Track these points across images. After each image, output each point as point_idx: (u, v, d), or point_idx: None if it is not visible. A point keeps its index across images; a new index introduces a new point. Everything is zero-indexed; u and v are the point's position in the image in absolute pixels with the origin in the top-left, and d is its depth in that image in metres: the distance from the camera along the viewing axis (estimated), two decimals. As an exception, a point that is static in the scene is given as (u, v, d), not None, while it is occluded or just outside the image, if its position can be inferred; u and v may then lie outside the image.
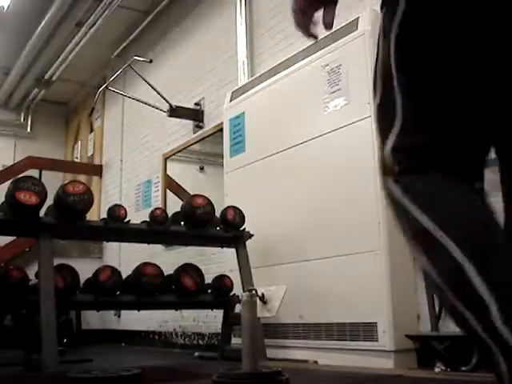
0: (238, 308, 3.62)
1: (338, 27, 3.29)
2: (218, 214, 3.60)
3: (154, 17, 6.03)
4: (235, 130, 4.12)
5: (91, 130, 7.82)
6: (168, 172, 5.84)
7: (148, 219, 3.44)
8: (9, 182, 3.03)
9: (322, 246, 3.18)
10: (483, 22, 0.89)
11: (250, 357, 1.49)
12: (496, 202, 3.04)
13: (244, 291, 1.56)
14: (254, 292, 1.55)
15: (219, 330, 3.81)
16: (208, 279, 3.64)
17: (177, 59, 5.76)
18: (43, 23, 5.76)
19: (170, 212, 3.76)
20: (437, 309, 2.94)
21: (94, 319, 6.49)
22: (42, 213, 3.06)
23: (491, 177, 3.20)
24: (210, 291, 3.61)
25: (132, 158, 6.60)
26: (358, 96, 3.14)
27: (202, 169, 6.06)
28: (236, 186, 4.04)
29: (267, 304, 1.61)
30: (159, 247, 5.35)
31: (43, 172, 6.82)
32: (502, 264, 0.90)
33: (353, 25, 3.33)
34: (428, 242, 0.95)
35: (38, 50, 6.41)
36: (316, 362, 3.00)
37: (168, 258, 5.17)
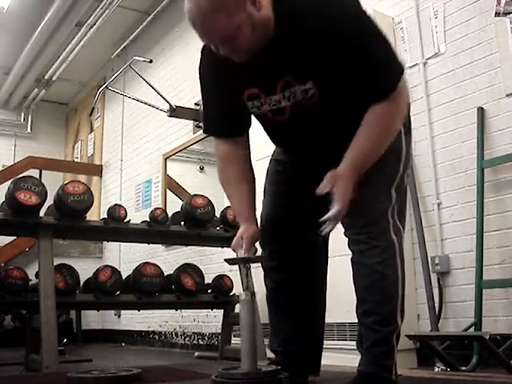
0: (238, 308, 3.63)
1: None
2: (218, 214, 3.60)
3: (154, 17, 6.03)
4: (235, 130, 4.10)
5: (91, 130, 7.82)
6: (168, 172, 5.84)
7: (148, 219, 3.44)
8: (9, 182, 3.03)
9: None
10: None
11: (249, 356, 1.48)
12: (496, 201, 3.04)
13: (243, 290, 1.55)
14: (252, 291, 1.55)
15: (219, 330, 3.81)
16: (208, 279, 3.64)
17: (177, 59, 5.77)
18: (43, 23, 5.75)
19: (170, 212, 3.76)
20: (437, 309, 2.94)
21: (94, 319, 6.49)
22: (42, 213, 3.06)
23: (491, 177, 3.19)
24: (209, 291, 3.61)
25: (132, 158, 6.60)
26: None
27: (202, 169, 6.06)
28: (236, 186, 4.03)
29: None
30: (159, 247, 5.36)
31: (43, 172, 6.83)
32: None
33: (353, 25, 3.32)
34: None
35: (38, 50, 6.40)
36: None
37: (168, 258, 5.17)
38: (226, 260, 1.61)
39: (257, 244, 1.66)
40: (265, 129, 1.70)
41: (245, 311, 1.52)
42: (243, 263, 1.58)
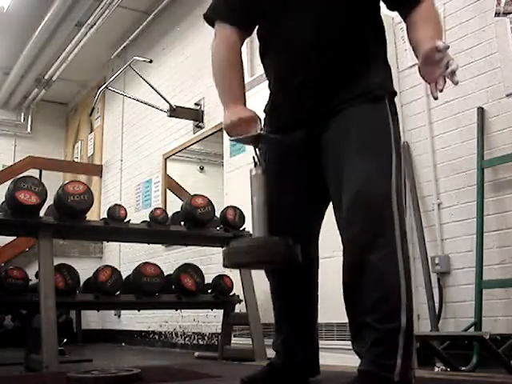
0: (237, 308, 3.63)
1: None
2: (218, 214, 3.60)
3: (154, 17, 6.03)
4: (235, 130, 4.10)
5: (91, 130, 7.82)
6: (168, 172, 5.84)
7: (148, 219, 3.44)
8: (9, 182, 3.03)
9: (321, 245, 3.17)
10: None
11: (262, 225, 1.57)
12: (496, 201, 3.03)
13: (254, 166, 1.62)
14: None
15: (219, 330, 3.81)
16: (208, 279, 3.64)
17: (177, 59, 5.76)
18: (43, 23, 5.75)
19: (170, 212, 3.76)
20: (437, 309, 2.94)
21: (94, 319, 6.49)
22: (42, 213, 3.06)
23: (491, 177, 3.19)
24: (209, 291, 3.61)
25: (132, 158, 6.60)
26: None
27: (202, 169, 6.06)
28: (236, 186, 4.04)
29: None
30: (159, 247, 5.36)
31: (43, 172, 6.83)
32: None
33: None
34: None
35: (38, 50, 6.41)
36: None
37: (168, 258, 5.17)
38: (236, 139, 1.68)
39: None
40: (281, 14, 1.71)
41: (256, 184, 1.61)
42: (257, 140, 1.63)
